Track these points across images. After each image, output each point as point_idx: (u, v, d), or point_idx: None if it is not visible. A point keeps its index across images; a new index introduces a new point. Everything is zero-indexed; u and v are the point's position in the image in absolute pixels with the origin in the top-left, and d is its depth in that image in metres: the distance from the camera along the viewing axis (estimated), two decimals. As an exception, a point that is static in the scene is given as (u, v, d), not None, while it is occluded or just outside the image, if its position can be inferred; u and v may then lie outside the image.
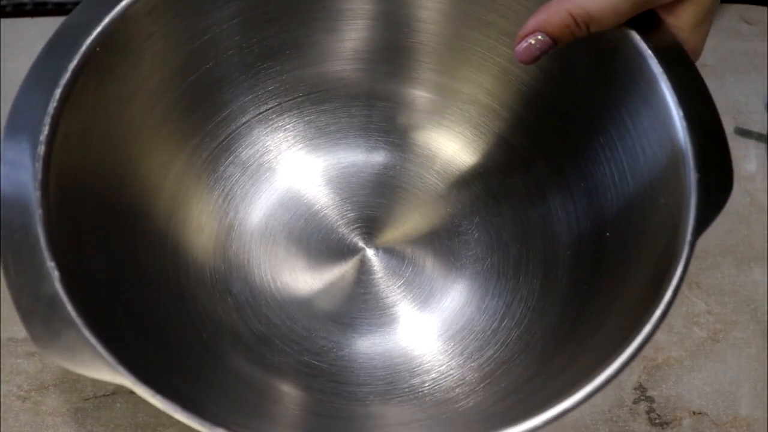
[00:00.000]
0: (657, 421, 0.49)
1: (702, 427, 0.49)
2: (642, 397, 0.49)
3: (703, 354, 0.51)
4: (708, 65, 0.59)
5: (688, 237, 0.36)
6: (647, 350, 0.50)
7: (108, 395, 0.48)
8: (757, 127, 0.57)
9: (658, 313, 0.35)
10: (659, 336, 0.51)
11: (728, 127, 0.57)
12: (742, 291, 0.53)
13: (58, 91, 0.37)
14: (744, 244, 0.54)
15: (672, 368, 0.50)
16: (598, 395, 0.48)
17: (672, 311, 0.51)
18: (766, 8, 0.61)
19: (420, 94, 0.52)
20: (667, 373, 0.50)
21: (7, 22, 0.58)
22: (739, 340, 0.51)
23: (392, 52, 0.50)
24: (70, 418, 0.48)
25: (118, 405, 0.48)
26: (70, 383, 0.49)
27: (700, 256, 0.53)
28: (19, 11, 0.59)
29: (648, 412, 0.49)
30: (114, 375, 0.33)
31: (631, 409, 0.49)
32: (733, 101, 0.59)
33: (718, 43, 0.60)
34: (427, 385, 0.47)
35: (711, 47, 0.60)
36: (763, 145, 0.56)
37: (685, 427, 0.49)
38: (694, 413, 0.49)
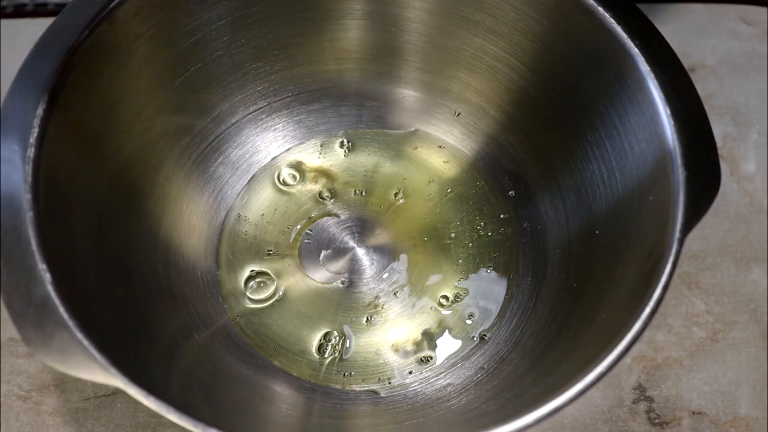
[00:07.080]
0: (656, 421, 0.49)
1: (701, 427, 0.49)
2: (641, 397, 0.49)
3: (702, 354, 0.51)
4: (707, 66, 0.59)
5: (677, 234, 0.36)
6: (646, 350, 0.50)
7: (108, 395, 0.48)
8: (757, 128, 0.57)
9: (647, 310, 0.35)
10: (658, 336, 0.51)
11: (727, 128, 0.57)
12: (742, 291, 0.52)
13: (47, 93, 0.37)
14: (743, 244, 0.53)
15: (671, 368, 0.50)
16: (597, 395, 0.49)
17: (671, 311, 0.52)
18: (765, 9, 0.61)
19: (409, 93, 0.52)
20: (666, 373, 0.50)
21: (8, 23, 0.57)
22: (739, 340, 0.51)
23: (380, 51, 0.50)
24: (70, 418, 0.48)
25: (119, 405, 0.48)
26: (71, 383, 0.49)
27: (700, 256, 0.53)
28: (19, 12, 0.59)
29: (647, 412, 0.49)
30: (106, 376, 0.33)
31: (630, 409, 0.49)
32: (733, 102, 0.58)
33: (718, 44, 0.60)
34: (418, 383, 0.47)
35: (710, 48, 0.60)
36: (763, 145, 0.56)
37: (684, 427, 0.49)
38: (693, 413, 0.49)
